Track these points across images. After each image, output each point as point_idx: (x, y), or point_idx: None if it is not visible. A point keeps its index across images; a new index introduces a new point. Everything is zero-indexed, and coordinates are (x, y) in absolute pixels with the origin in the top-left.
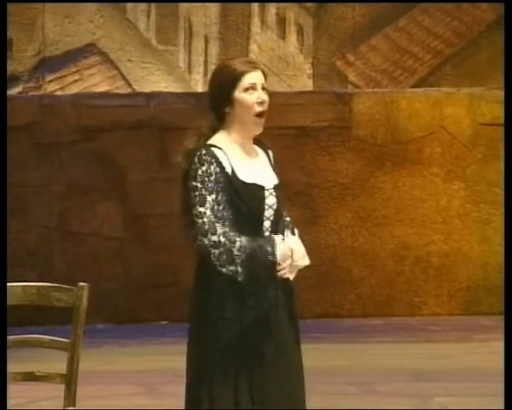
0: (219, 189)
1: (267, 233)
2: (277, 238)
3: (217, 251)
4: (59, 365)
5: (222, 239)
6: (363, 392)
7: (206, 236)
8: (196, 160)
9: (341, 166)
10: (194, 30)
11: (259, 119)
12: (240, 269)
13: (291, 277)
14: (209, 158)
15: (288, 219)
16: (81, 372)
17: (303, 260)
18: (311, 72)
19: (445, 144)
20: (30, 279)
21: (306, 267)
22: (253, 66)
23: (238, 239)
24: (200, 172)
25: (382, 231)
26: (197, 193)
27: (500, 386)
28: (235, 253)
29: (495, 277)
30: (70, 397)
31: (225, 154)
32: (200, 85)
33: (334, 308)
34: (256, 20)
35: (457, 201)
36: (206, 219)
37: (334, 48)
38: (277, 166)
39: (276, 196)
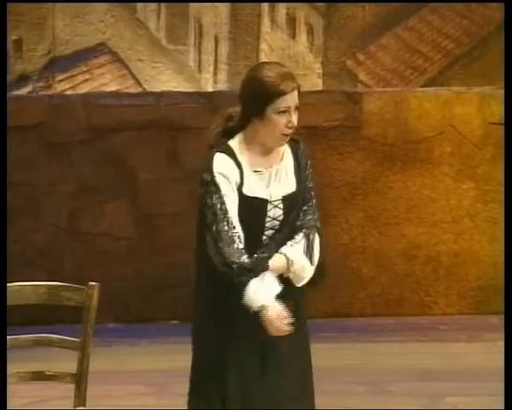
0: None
1: (267, 240)
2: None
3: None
4: (69, 364)
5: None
6: (372, 392)
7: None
8: (213, 161)
9: (351, 166)
10: (205, 30)
11: (285, 138)
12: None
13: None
14: (218, 169)
15: (308, 218)
16: (91, 372)
17: (303, 271)
18: (320, 71)
19: (455, 144)
20: (40, 279)
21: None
22: (291, 86)
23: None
24: (211, 172)
25: (392, 231)
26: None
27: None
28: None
29: None
30: (80, 397)
31: (238, 162)
32: (210, 85)
33: (343, 308)
34: (266, 20)
35: (467, 200)
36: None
37: (344, 47)
38: (305, 160)
39: (283, 208)
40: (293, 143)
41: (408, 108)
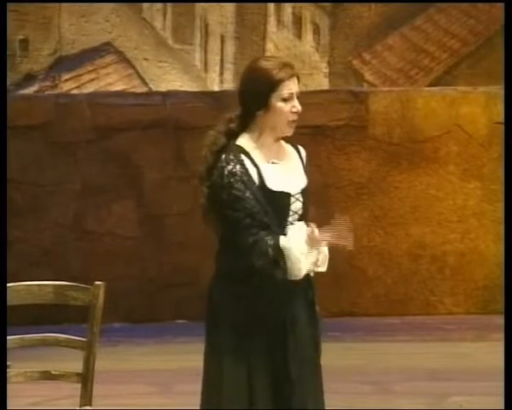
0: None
1: None
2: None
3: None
4: (75, 364)
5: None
6: (378, 391)
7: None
8: (224, 162)
9: (357, 166)
10: (211, 29)
11: (292, 124)
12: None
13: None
14: (236, 162)
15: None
16: (97, 371)
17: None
18: (327, 71)
19: (462, 143)
20: (46, 278)
21: None
22: (290, 73)
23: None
24: (226, 172)
25: (398, 230)
26: (230, 192)
27: None
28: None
29: None
30: (86, 396)
31: (253, 159)
32: (216, 84)
33: (349, 307)
34: (272, 20)
35: (473, 200)
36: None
37: (351, 47)
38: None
39: (303, 202)
40: (292, 144)
41: (414, 108)
